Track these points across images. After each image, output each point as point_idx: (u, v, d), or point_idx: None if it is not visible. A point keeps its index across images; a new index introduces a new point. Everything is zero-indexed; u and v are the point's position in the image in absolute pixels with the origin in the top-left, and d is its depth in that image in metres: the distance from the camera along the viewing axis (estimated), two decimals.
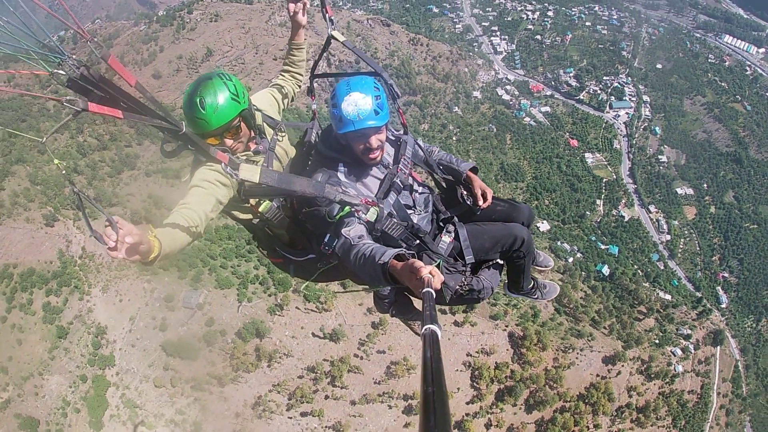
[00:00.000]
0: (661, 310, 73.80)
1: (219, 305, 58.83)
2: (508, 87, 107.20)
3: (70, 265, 59.84)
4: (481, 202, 4.11)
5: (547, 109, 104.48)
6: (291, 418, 55.27)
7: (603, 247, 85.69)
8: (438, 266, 2.32)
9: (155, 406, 55.31)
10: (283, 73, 4.55)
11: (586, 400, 60.13)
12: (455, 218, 4.15)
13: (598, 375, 63.04)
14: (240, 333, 57.15)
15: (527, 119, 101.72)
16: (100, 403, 53.81)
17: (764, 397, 74.46)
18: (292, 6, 4.18)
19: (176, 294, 59.25)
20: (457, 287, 3.85)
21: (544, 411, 58.85)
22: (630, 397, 63.20)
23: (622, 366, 63.80)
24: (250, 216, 3.86)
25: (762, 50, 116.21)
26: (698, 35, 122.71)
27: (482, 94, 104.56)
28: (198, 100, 3.26)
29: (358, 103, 3.36)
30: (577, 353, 63.47)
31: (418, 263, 2.28)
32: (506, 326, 62.65)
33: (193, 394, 55.55)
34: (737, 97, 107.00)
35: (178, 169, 70.84)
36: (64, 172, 2.30)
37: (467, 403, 57.50)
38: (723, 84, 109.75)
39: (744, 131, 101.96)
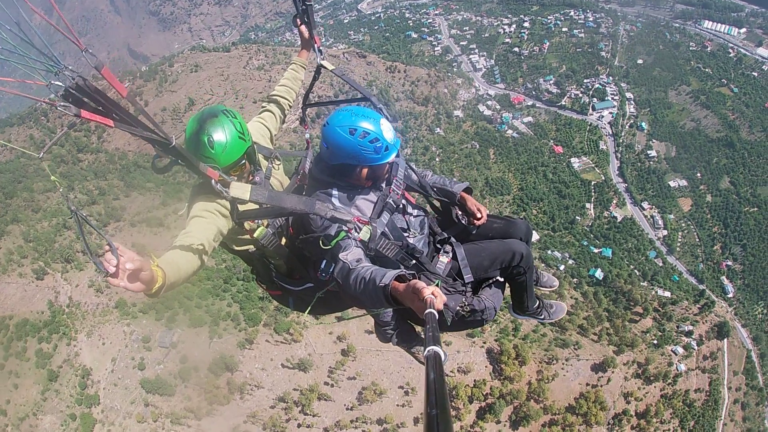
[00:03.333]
0: (660, 309, 71.44)
1: (192, 343, 60.91)
2: (489, 102, 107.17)
3: (58, 314, 62.88)
4: (477, 217, 4.17)
5: (530, 119, 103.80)
6: None
7: (596, 250, 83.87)
8: (437, 286, 2.36)
9: None
10: (278, 88, 4.60)
11: (576, 411, 58.40)
12: (452, 238, 4.16)
13: (587, 384, 61.32)
14: (212, 368, 59.08)
15: (509, 132, 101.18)
16: None
17: None
18: (303, 27, 4.41)
19: (153, 335, 61.67)
20: (458, 308, 3.79)
21: (530, 426, 57.38)
22: (628, 403, 61.07)
23: (612, 372, 61.84)
24: (247, 247, 3.86)
25: (743, 30, 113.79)
26: (677, 25, 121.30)
27: (464, 112, 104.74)
28: (206, 138, 3.30)
29: (391, 127, 3.55)
30: (562, 364, 61.98)
31: (420, 284, 2.32)
32: (484, 343, 61.86)
33: (173, 428, 57.48)
34: (723, 80, 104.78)
35: (161, 218, 74.18)
36: (61, 190, 2.44)
37: None
38: (707, 70, 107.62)
39: (733, 114, 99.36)
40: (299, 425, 57.09)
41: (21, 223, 72.95)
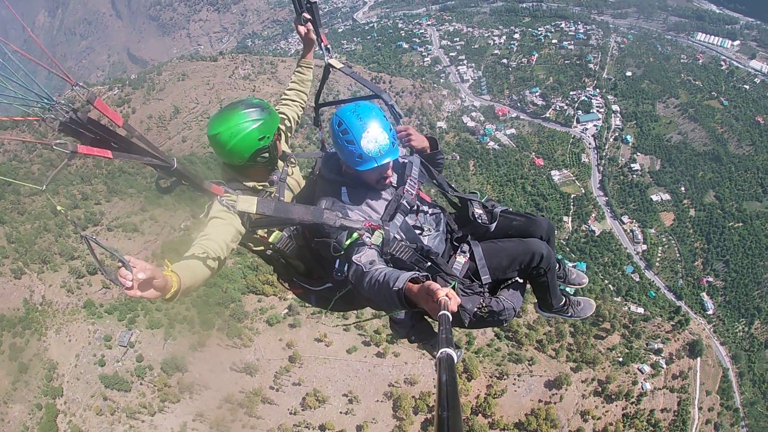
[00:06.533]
0: (629, 325, 69.88)
1: (148, 343, 63.03)
2: (473, 114, 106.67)
3: (32, 311, 65.88)
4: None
5: (513, 131, 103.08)
6: None
7: (570, 264, 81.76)
8: (453, 288, 2.32)
9: (97, 431, 59.12)
10: (287, 92, 4.62)
11: (526, 428, 57.34)
12: (469, 237, 4.02)
13: (540, 401, 60.23)
14: (164, 367, 61.03)
15: (491, 143, 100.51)
16: (51, 427, 58.43)
17: (763, 404, 69.06)
18: (302, 28, 4.38)
19: (114, 334, 63.94)
20: (476, 309, 3.66)
21: None
22: (585, 421, 59.79)
23: (566, 390, 60.66)
24: (264, 247, 3.85)
25: (737, 43, 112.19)
26: (669, 37, 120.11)
27: (447, 123, 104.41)
28: (243, 109, 3.53)
29: (378, 139, 3.34)
30: (514, 379, 61.03)
31: (435, 285, 2.28)
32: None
33: (128, 422, 59.15)
34: (713, 93, 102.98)
35: (137, 223, 76.15)
36: (69, 218, 2.47)
37: None
38: (697, 82, 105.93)
39: (722, 128, 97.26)
40: (243, 426, 58.22)
41: (6, 225, 76.02)
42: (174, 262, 2.72)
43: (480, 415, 57.78)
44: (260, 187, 3.77)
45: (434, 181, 4.01)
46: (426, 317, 4.22)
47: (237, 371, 60.80)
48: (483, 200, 4.15)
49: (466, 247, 3.90)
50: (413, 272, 2.66)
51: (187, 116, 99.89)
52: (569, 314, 4.67)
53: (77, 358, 63.07)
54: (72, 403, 60.40)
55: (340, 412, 57.78)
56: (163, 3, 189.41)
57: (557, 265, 4.45)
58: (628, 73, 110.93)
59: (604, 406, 61.19)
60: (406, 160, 3.86)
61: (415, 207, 3.74)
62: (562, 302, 4.53)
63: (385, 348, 60.43)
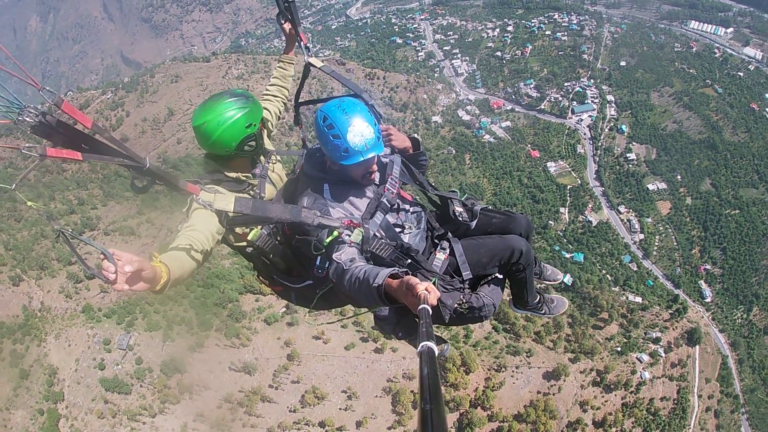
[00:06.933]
0: (627, 315, 69.99)
1: (146, 345, 63.43)
2: (468, 107, 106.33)
3: (31, 317, 66.25)
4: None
5: (508, 123, 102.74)
6: None
7: (568, 255, 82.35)
8: (434, 284, 2.37)
9: None
10: (269, 87, 4.63)
11: (525, 420, 57.46)
12: (449, 234, 4.07)
13: (538, 392, 60.40)
14: (164, 369, 61.46)
15: (487, 137, 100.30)
16: None
17: (763, 390, 69.23)
18: (286, 26, 4.40)
19: (113, 337, 64.38)
20: (456, 305, 3.71)
21: None
22: (584, 412, 59.96)
23: (564, 381, 60.79)
24: (244, 243, 3.80)
25: (730, 30, 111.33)
26: (663, 26, 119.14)
27: (443, 118, 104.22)
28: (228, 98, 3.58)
29: (364, 133, 3.34)
30: (512, 371, 61.16)
31: (414, 280, 2.32)
32: None
33: (130, 424, 59.64)
34: (707, 81, 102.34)
35: (134, 227, 76.36)
36: (41, 213, 2.45)
37: (389, 429, 57.03)
38: (691, 71, 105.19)
39: (717, 115, 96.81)
40: (243, 425, 58.61)
41: (3, 232, 76.28)
42: (162, 253, 2.74)
43: (479, 407, 58.08)
44: (243, 178, 3.79)
45: (416, 181, 4.03)
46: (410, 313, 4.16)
47: (236, 371, 61.13)
48: (463, 198, 4.18)
49: (446, 243, 3.93)
50: (393, 269, 2.70)
51: (181, 118, 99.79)
52: (543, 311, 4.73)
53: (77, 362, 63.46)
54: (73, 408, 60.85)
55: (340, 409, 58.21)
56: (155, 5, 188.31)
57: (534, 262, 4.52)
58: (623, 63, 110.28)
59: (603, 396, 61.42)
60: (386, 160, 3.87)
61: (396, 205, 3.78)
62: (537, 299, 4.60)
63: (383, 344, 60.52)
